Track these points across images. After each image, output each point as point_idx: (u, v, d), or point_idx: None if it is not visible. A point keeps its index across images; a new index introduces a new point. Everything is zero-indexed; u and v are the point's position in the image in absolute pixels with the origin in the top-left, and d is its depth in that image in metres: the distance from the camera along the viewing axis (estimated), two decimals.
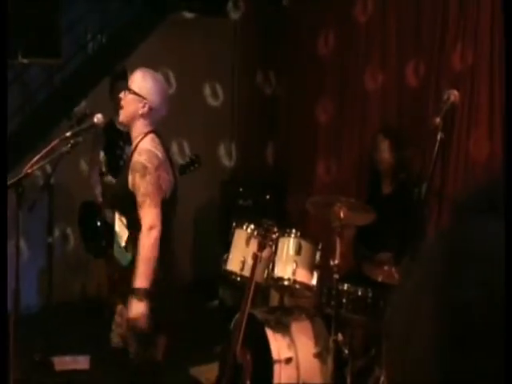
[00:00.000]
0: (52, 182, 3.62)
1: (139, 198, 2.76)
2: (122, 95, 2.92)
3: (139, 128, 2.90)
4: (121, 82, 4.13)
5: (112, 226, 3.04)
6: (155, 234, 2.73)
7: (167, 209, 2.85)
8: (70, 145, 2.92)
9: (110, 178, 4.25)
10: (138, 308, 2.68)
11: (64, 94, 4.99)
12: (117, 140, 4.31)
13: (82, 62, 5.09)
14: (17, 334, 2.61)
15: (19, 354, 2.70)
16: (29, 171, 2.80)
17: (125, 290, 2.83)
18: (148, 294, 2.68)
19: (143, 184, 2.75)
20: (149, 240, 2.72)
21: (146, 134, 2.89)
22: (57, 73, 4.97)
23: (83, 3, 5.10)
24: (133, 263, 2.77)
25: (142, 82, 2.90)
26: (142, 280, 2.68)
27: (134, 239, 2.81)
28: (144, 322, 2.70)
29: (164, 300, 2.80)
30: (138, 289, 2.68)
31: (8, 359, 2.54)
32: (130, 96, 2.88)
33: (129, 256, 2.85)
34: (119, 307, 3.01)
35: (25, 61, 4.49)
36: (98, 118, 2.99)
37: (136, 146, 2.88)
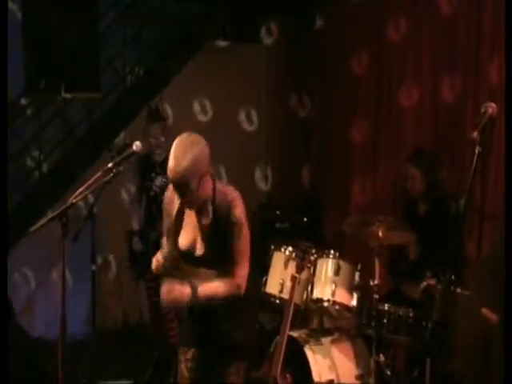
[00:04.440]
0: (95, 212, 3.72)
1: (236, 256, 2.70)
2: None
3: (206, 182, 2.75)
4: (157, 122, 4.35)
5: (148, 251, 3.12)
6: (241, 291, 2.71)
7: None
8: (111, 174, 3.00)
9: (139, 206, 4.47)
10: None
11: (104, 126, 5.14)
12: (150, 171, 4.47)
13: (121, 94, 5.25)
14: (64, 361, 2.69)
15: (66, 380, 2.77)
16: (73, 201, 2.88)
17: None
18: None
19: (241, 241, 2.70)
20: (232, 290, 2.70)
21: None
22: (97, 106, 5.14)
23: (121, 37, 5.26)
24: None
25: (188, 165, 2.63)
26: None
27: None
28: None
29: None
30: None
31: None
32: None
33: None
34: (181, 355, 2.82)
35: (67, 96, 4.65)
36: (136, 145, 3.08)
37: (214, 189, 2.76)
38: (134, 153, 3.10)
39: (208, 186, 2.72)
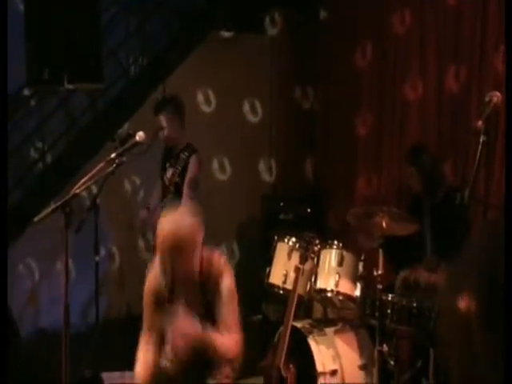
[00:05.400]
0: (98, 203, 3.73)
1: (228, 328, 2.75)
2: None
3: None
4: (160, 114, 4.31)
5: None
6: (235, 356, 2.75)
7: None
8: (114, 165, 3.00)
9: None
10: None
11: (107, 117, 5.14)
12: (166, 161, 4.46)
13: (124, 85, 5.24)
14: (67, 351, 2.69)
15: (70, 370, 2.78)
16: (76, 192, 2.88)
17: None
18: None
19: (232, 312, 2.85)
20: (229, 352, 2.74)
21: None
22: (100, 97, 5.13)
23: (124, 28, 5.25)
24: None
25: (186, 231, 2.62)
26: None
27: None
28: None
29: None
30: None
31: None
32: None
33: None
34: None
35: (70, 86, 4.64)
36: (139, 135, 3.10)
37: None
38: (136, 143, 3.11)
39: (197, 260, 2.63)
